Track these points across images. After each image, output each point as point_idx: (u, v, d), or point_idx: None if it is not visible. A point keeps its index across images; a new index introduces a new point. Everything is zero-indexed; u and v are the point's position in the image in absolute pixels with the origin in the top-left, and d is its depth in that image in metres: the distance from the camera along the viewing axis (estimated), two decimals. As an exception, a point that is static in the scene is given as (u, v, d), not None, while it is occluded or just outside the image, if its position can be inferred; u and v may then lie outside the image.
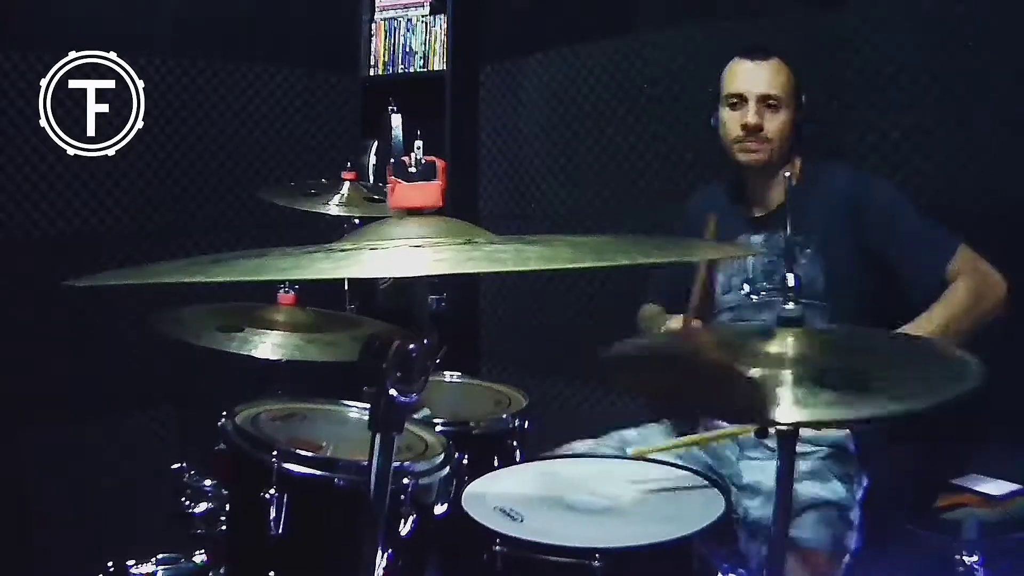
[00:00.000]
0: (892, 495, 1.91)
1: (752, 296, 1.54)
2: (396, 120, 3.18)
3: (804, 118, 2.02)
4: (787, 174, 1.45)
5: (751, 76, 2.00)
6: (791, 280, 1.30)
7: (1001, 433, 1.96)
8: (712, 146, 2.12)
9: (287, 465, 1.51)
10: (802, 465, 1.79)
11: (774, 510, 1.30)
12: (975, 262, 1.88)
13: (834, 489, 1.81)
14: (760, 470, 1.84)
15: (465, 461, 1.71)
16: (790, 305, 1.29)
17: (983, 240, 2.04)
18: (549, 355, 2.93)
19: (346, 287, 2.54)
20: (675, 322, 1.98)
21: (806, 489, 1.78)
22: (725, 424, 1.99)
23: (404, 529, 1.46)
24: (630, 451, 1.77)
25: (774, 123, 1.99)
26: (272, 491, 1.50)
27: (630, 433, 2.02)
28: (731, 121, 2.02)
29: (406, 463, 1.52)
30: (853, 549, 1.77)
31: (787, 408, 1.16)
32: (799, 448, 1.71)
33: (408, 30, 3.19)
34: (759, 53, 2.02)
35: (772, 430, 1.26)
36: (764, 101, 1.99)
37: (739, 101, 2.01)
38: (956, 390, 1.15)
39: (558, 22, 2.91)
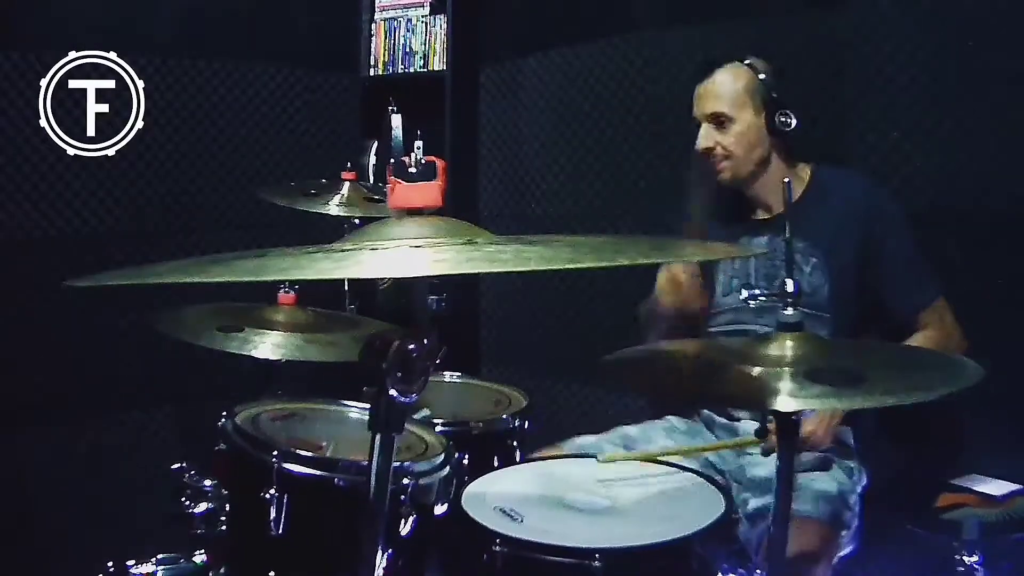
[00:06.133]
0: (892, 495, 1.91)
1: (750, 301, 1.54)
2: (396, 120, 3.18)
3: (779, 114, 1.95)
4: (786, 179, 1.45)
5: (699, 100, 2.00)
6: (790, 286, 1.30)
7: (1001, 433, 1.96)
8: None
9: (287, 465, 1.52)
10: (803, 457, 1.79)
11: (774, 509, 1.30)
12: (945, 317, 1.91)
13: (834, 476, 1.83)
14: (761, 465, 1.84)
15: (465, 461, 1.71)
16: (789, 311, 1.29)
17: (982, 240, 2.05)
18: (549, 355, 2.93)
19: (346, 287, 2.54)
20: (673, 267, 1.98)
21: (806, 479, 1.79)
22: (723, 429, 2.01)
23: (404, 529, 1.47)
24: (601, 457, 1.75)
25: (727, 137, 1.97)
26: (272, 491, 1.51)
27: (632, 429, 2.02)
28: None
29: (406, 463, 1.52)
30: (852, 529, 1.78)
31: (784, 398, 1.17)
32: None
33: (408, 30, 3.19)
34: (707, 72, 2.00)
35: (771, 432, 1.27)
36: (712, 120, 1.98)
37: (699, 126, 2.01)
38: (950, 387, 1.16)
39: (558, 22, 2.91)
